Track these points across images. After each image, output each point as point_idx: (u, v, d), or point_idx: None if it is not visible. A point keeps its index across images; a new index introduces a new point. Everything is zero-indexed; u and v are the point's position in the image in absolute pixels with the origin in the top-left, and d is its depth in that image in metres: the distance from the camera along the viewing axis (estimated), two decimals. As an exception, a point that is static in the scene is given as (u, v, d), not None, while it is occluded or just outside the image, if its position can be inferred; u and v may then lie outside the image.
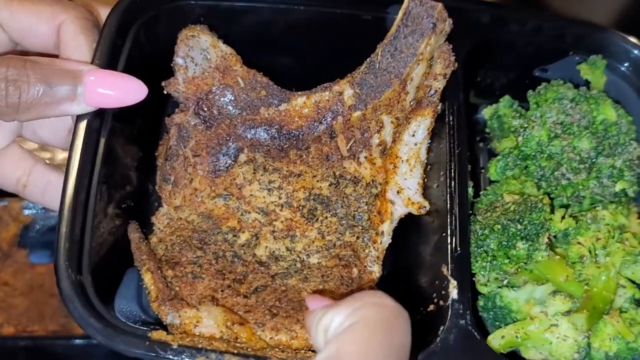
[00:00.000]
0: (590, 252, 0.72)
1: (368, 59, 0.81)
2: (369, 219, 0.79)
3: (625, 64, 0.86)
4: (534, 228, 0.71)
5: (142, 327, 0.65)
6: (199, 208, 0.79)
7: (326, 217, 0.79)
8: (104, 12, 0.75)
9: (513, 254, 0.71)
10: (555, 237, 0.76)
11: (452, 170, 0.74)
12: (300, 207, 0.80)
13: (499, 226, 0.72)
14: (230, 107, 0.80)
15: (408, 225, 0.79)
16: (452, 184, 0.73)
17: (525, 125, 0.82)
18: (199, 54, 0.78)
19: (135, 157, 0.80)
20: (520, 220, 0.71)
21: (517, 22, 0.86)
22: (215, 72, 0.79)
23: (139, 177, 0.81)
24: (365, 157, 0.81)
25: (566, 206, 0.80)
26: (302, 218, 0.79)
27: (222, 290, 0.71)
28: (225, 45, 0.79)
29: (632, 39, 0.85)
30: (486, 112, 0.92)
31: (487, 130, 0.92)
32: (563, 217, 0.75)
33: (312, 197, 0.80)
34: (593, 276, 0.71)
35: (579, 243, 0.72)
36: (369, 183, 0.81)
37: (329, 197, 0.80)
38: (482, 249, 0.72)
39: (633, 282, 0.73)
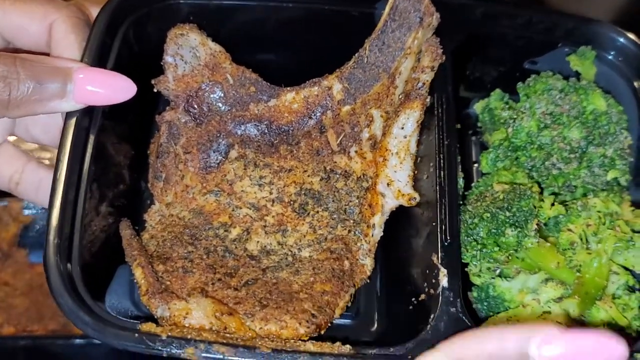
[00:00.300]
0: (581, 238, 0.71)
1: (356, 54, 0.81)
2: (360, 213, 0.79)
3: (615, 54, 0.86)
4: (523, 215, 0.71)
5: (132, 321, 0.65)
6: (191, 204, 0.79)
7: (317, 212, 0.80)
8: (95, 11, 0.76)
9: (502, 241, 0.71)
10: (545, 224, 0.75)
11: (442, 161, 0.74)
12: (292, 202, 0.80)
13: (488, 214, 0.72)
14: (220, 104, 0.81)
15: (399, 218, 0.79)
16: (442, 174, 0.73)
17: (515, 117, 0.82)
18: (188, 52, 0.79)
19: (127, 155, 0.80)
20: (509, 207, 0.71)
21: (506, 15, 0.86)
22: (204, 69, 0.80)
23: (131, 175, 0.81)
24: (356, 151, 0.82)
25: (557, 195, 0.80)
26: (293, 213, 0.79)
27: (212, 284, 0.71)
28: (214, 43, 0.80)
29: (621, 29, 0.85)
30: (478, 106, 0.92)
31: (479, 124, 0.92)
32: (552, 204, 0.75)
33: (303, 192, 0.80)
34: (584, 262, 0.71)
35: (570, 230, 0.72)
36: (360, 177, 0.81)
37: (320, 192, 0.81)
38: (471, 237, 0.72)
39: (626, 268, 0.73)
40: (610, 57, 0.86)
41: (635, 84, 0.84)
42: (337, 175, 0.81)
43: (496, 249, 0.72)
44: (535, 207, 0.72)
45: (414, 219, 0.77)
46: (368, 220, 0.78)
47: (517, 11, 0.87)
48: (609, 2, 1.34)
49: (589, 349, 0.45)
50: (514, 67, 0.90)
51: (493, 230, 0.71)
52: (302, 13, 0.83)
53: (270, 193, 0.80)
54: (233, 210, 0.79)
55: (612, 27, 0.85)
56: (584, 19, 0.88)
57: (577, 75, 0.87)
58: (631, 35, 0.84)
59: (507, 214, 0.71)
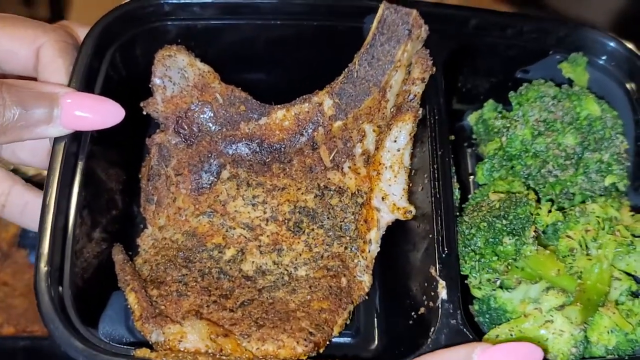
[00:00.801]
0: (580, 244, 0.70)
1: (346, 69, 0.81)
2: (356, 229, 0.78)
3: (606, 59, 0.85)
4: (520, 222, 0.70)
5: (125, 347, 0.64)
6: (184, 227, 0.78)
7: (313, 229, 0.78)
8: (84, 34, 0.75)
9: (500, 250, 0.70)
10: (544, 232, 0.74)
11: (436, 172, 0.73)
12: (286, 221, 0.79)
13: (485, 224, 0.71)
14: (210, 124, 0.80)
15: (395, 232, 0.77)
16: (437, 185, 0.73)
17: (508, 125, 0.82)
18: (177, 73, 0.78)
19: (118, 180, 0.79)
20: (506, 215, 0.70)
21: (495, 25, 0.86)
22: (193, 90, 0.79)
23: (122, 199, 0.80)
24: (349, 167, 0.81)
25: (554, 202, 0.79)
26: (288, 231, 0.78)
27: (207, 306, 0.69)
28: (202, 63, 0.80)
29: (611, 34, 0.85)
30: (472, 118, 0.91)
31: (473, 136, 0.92)
32: (550, 211, 0.74)
33: (297, 210, 0.79)
34: (585, 269, 0.69)
35: (568, 236, 0.71)
36: (354, 193, 0.80)
37: (315, 209, 0.79)
38: (469, 248, 0.71)
39: (628, 274, 0.71)
40: (601, 62, 0.85)
41: (628, 87, 0.83)
42: (331, 192, 0.80)
43: (495, 258, 0.70)
44: (532, 213, 0.71)
45: (410, 232, 0.76)
46: (364, 236, 0.77)
47: (506, 20, 0.86)
48: (608, 4, 1.34)
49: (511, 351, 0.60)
50: (505, 77, 0.89)
51: (491, 240, 0.70)
52: (290, 30, 0.83)
53: (264, 212, 0.79)
54: (227, 231, 0.78)
55: (602, 32, 0.85)
56: (574, 25, 0.87)
57: (570, 82, 0.86)
58: (622, 40, 0.84)
59: (504, 222, 0.70)
